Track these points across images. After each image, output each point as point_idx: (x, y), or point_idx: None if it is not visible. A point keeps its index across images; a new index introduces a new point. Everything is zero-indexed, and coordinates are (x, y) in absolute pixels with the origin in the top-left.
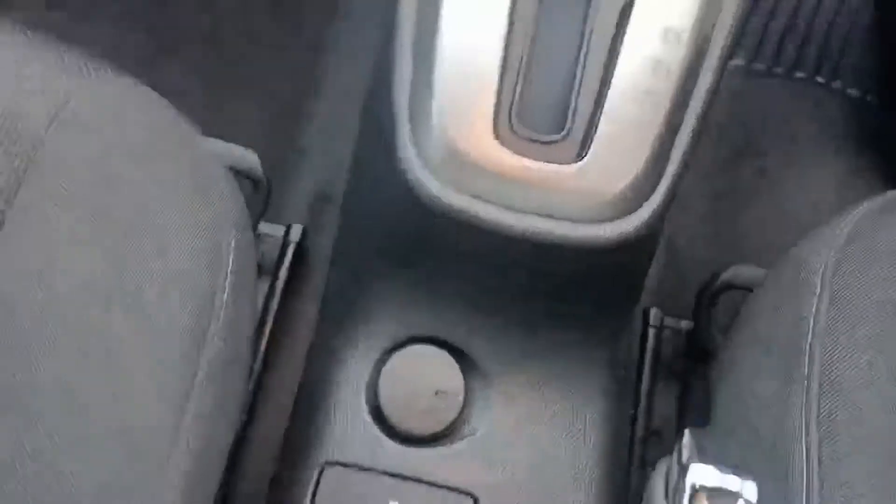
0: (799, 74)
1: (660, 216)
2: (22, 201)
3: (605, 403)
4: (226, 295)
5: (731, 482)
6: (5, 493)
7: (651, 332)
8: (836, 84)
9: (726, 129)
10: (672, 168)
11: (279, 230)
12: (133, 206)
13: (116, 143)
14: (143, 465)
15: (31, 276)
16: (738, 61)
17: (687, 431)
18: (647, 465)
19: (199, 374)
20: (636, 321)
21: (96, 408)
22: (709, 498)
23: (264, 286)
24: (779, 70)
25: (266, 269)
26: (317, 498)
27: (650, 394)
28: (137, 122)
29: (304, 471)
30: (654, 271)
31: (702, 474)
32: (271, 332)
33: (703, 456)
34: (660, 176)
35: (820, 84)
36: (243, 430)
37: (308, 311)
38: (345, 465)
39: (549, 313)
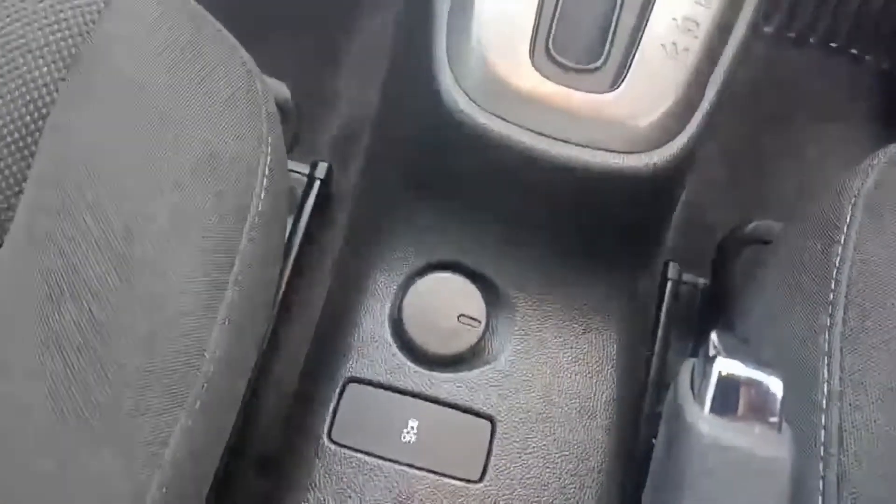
0: (832, 45)
1: (691, 150)
2: (66, 94)
3: (622, 338)
4: (259, 209)
5: (756, 375)
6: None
7: (669, 284)
8: (869, 57)
9: (756, 95)
10: (707, 100)
11: (305, 168)
12: (179, 113)
13: (163, 52)
14: (171, 364)
15: (76, 168)
16: (770, 28)
17: (714, 332)
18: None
19: (229, 283)
20: (656, 273)
21: (133, 301)
22: (733, 388)
23: (289, 221)
24: (812, 39)
25: (291, 206)
26: (338, 413)
27: (665, 344)
28: (186, 32)
29: (326, 386)
30: (673, 230)
31: (728, 365)
32: (295, 263)
33: (729, 353)
34: (693, 110)
35: (853, 56)
36: (269, 350)
37: (332, 246)
38: (366, 382)
39: (574, 244)
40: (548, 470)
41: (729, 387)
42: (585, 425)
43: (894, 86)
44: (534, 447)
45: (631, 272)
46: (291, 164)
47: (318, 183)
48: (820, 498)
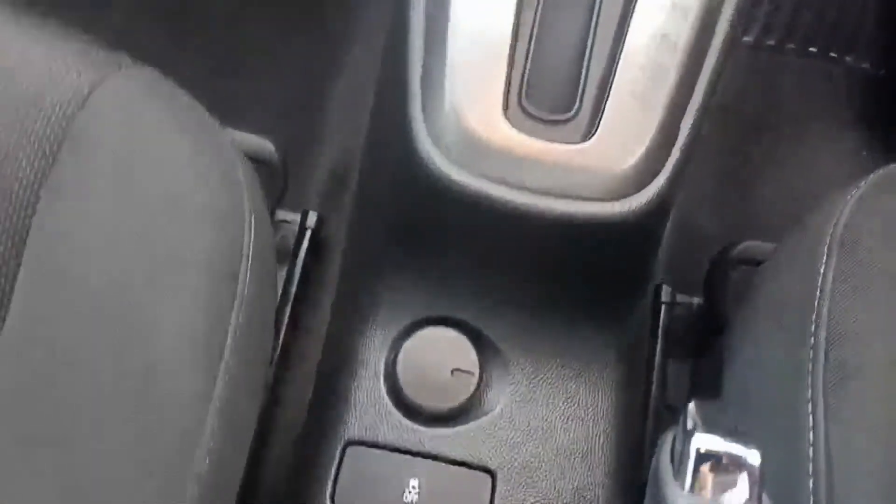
0: (811, 49)
1: (669, 192)
2: (50, 186)
3: (618, 376)
4: (247, 279)
5: (734, 449)
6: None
7: (663, 308)
8: (849, 59)
9: (737, 105)
10: (680, 144)
11: (295, 216)
12: (156, 192)
13: (139, 131)
14: (171, 442)
15: (61, 259)
16: (748, 37)
17: (692, 402)
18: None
19: (223, 355)
20: (648, 298)
21: (126, 383)
22: (712, 463)
23: (282, 272)
24: (790, 46)
25: (283, 255)
26: (339, 476)
27: (662, 369)
28: (159, 111)
29: (326, 450)
30: (665, 249)
31: (705, 441)
32: (290, 318)
33: (708, 425)
34: (668, 153)
35: (832, 59)
36: (266, 414)
37: (325, 295)
38: (366, 444)
39: (561, 292)
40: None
41: (707, 462)
42: (587, 470)
43: (875, 86)
44: (535, 498)
45: (621, 311)
46: (282, 214)
47: (309, 232)
48: None
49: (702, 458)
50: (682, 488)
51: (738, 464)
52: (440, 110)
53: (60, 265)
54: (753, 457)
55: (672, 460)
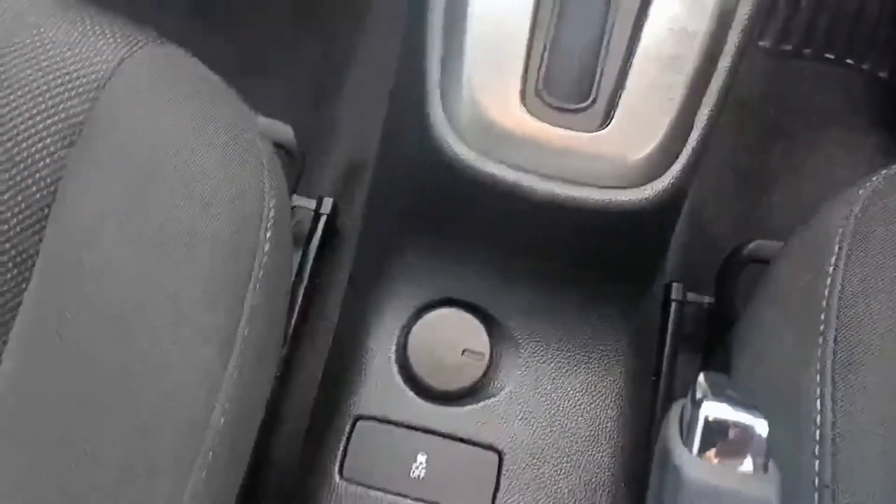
0: (828, 55)
1: (682, 183)
2: (74, 161)
3: (627, 362)
4: (265, 255)
5: (742, 417)
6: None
7: (673, 305)
8: (866, 66)
9: (754, 108)
10: (695, 136)
11: (311, 203)
12: (177, 167)
13: (164, 108)
14: (184, 417)
15: (83, 234)
16: (766, 42)
17: (702, 374)
18: None
19: (238, 330)
20: (658, 295)
21: (143, 353)
22: (720, 430)
23: (296, 257)
24: (808, 51)
25: (298, 240)
26: (349, 450)
27: (671, 364)
28: (183, 87)
29: (335, 424)
30: (677, 248)
31: (714, 409)
32: (302, 302)
33: (716, 396)
34: (683, 144)
35: (849, 65)
36: (278, 391)
37: (338, 279)
38: (375, 419)
39: (574, 276)
40: (557, 501)
41: (716, 430)
42: (593, 453)
43: (892, 93)
44: (541, 479)
45: (631, 299)
46: (297, 200)
47: (324, 218)
48: None
49: (710, 425)
50: (691, 453)
51: (745, 432)
52: (459, 98)
53: (78, 240)
54: (761, 426)
55: (681, 429)
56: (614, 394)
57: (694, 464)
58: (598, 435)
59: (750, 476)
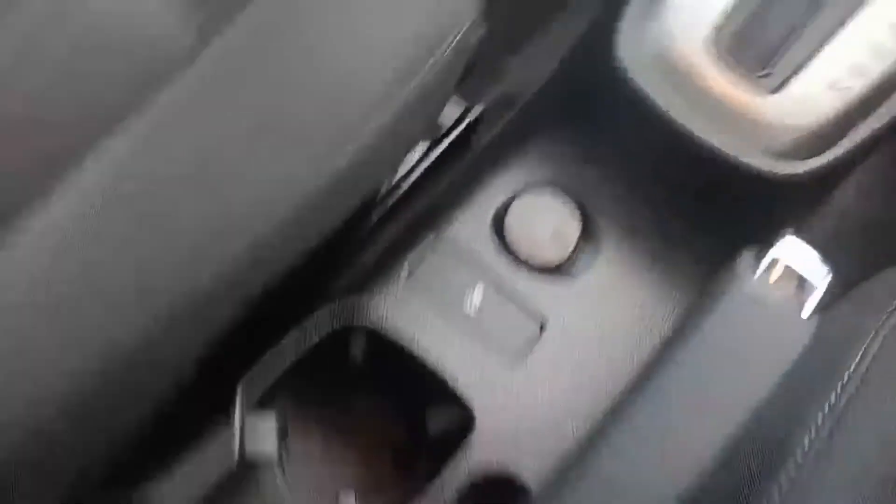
0: None
1: (830, 171)
2: None
3: (694, 292)
4: (441, 59)
5: (808, 262)
6: None
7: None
8: None
9: None
10: (859, 135)
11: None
12: None
13: None
14: None
15: None
16: None
17: (789, 234)
18: None
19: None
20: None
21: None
22: (784, 266)
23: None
24: None
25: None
26: (423, 263)
27: None
28: None
29: (416, 235)
30: None
31: (785, 247)
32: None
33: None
34: (842, 136)
35: None
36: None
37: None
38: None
39: (681, 210)
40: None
41: (778, 265)
42: (622, 364)
43: None
44: (565, 365)
45: (722, 254)
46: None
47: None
48: None
49: (776, 261)
50: (752, 278)
51: (804, 273)
52: (650, 34)
53: None
54: (819, 275)
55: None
56: (677, 311)
57: (750, 284)
58: (631, 356)
59: (791, 313)
